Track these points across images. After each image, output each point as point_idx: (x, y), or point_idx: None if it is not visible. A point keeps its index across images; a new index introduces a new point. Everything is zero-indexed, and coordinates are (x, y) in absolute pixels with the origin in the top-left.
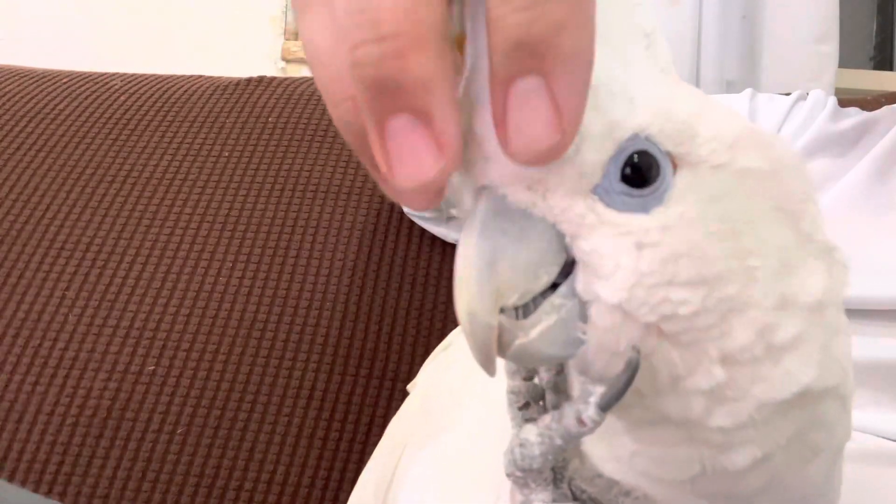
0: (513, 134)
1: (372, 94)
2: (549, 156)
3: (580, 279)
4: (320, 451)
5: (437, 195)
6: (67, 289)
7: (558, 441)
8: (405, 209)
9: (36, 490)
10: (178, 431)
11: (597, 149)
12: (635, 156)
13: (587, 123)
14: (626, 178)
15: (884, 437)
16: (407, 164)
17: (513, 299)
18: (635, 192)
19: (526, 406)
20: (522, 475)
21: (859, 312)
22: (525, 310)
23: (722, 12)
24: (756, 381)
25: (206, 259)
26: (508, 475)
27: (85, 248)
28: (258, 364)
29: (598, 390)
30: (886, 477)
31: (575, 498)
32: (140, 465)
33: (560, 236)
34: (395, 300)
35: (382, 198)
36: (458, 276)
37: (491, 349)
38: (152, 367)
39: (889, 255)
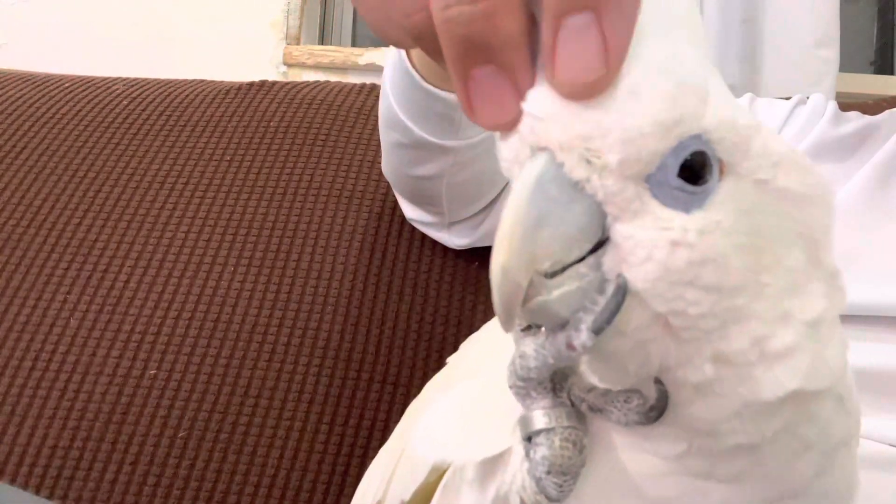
0: (560, 65)
1: (459, 49)
2: (593, 89)
3: (608, 257)
4: (321, 456)
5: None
6: (69, 293)
7: (550, 360)
8: (406, 216)
9: (37, 494)
10: (179, 436)
11: (662, 137)
12: (692, 155)
13: (661, 111)
14: (680, 175)
15: (886, 443)
16: (490, 107)
17: (545, 266)
18: (688, 187)
19: (528, 328)
20: (523, 385)
21: (862, 319)
22: (552, 274)
23: (722, 16)
24: (744, 381)
25: (207, 263)
26: (511, 387)
27: (87, 252)
28: (259, 368)
29: (589, 318)
30: (887, 482)
31: (573, 405)
32: (141, 469)
33: (602, 215)
34: (396, 304)
35: (384, 202)
36: (503, 231)
37: (514, 306)
38: (153, 372)
39: (893, 261)
